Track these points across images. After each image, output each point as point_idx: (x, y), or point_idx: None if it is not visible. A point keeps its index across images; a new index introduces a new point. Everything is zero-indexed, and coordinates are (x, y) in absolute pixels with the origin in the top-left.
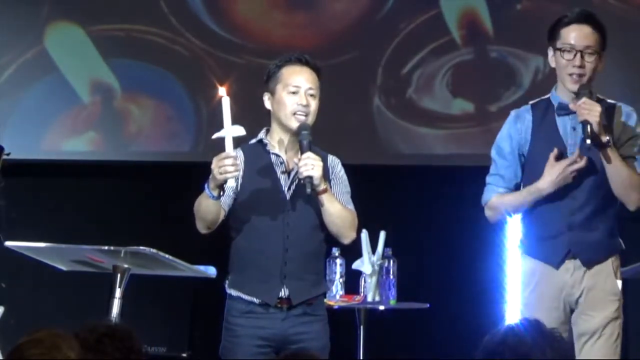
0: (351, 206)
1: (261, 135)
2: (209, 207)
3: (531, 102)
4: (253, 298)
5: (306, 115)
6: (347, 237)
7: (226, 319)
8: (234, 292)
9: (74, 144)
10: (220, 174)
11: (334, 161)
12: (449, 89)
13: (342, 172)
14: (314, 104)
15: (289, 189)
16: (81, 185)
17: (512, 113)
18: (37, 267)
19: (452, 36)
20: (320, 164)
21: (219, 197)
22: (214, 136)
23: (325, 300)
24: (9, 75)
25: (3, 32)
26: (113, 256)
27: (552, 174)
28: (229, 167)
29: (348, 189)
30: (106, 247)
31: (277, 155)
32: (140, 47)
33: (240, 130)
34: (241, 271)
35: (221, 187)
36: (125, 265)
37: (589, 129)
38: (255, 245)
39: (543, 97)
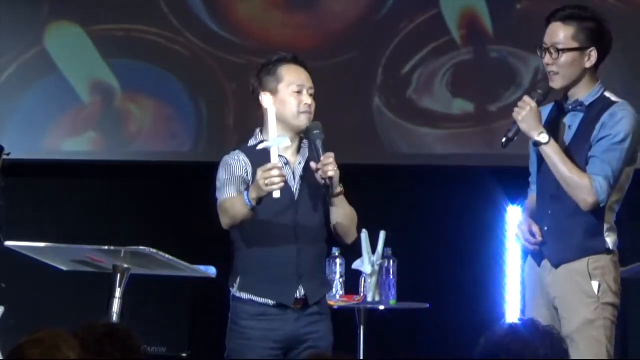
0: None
1: (261, 136)
2: (242, 212)
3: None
4: (267, 300)
5: (310, 114)
6: (352, 236)
7: (234, 321)
8: (244, 295)
9: (74, 144)
10: (267, 185)
11: None
12: (449, 89)
13: None
14: (314, 104)
15: (295, 189)
16: (81, 185)
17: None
18: (37, 267)
19: (452, 36)
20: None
21: (256, 206)
22: (260, 147)
23: None
24: (9, 75)
25: (3, 32)
26: (113, 256)
27: (520, 234)
28: (275, 178)
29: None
30: (106, 247)
31: (281, 156)
32: (140, 47)
33: (286, 142)
34: (253, 273)
35: (262, 198)
36: (125, 265)
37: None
38: (267, 246)
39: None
